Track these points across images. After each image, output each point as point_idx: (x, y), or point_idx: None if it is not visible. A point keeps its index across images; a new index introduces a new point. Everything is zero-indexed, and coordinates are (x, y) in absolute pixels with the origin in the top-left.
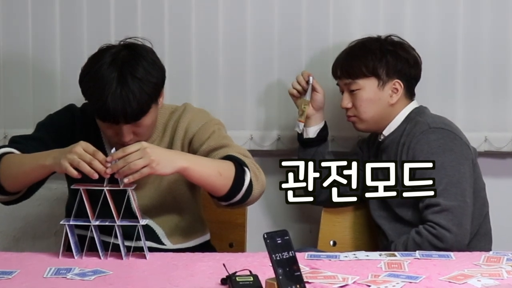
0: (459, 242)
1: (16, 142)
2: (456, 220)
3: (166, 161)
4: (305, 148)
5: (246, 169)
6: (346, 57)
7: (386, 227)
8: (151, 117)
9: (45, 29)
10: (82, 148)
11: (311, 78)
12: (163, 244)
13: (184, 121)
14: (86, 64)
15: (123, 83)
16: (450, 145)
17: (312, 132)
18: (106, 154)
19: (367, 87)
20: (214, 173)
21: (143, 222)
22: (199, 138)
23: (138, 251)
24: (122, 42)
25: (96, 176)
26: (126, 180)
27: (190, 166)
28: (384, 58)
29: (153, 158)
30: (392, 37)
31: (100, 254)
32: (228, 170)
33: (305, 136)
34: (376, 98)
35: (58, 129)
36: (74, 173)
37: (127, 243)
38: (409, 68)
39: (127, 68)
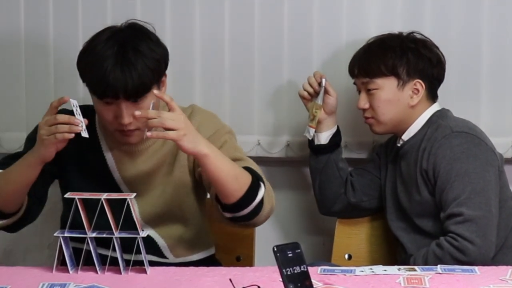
0: (483, 255)
1: (4, 164)
2: (480, 232)
3: (193, 137)
4: (317, 155)
5: (261, 184)
6: (364, 54)
7: (405, 239)
8: (151, 100)
9: (38, 28)
10: (45, 121)
11: (323, 80)
12: (164, 257)
13: (193, 124)
14: (85, 44)
15: (123, 56)
16: (474, 151)
17: (324, 138)
18: (103, 156)
19: (386, 87)
20: (231, 173)
21: (143, 234)
22: None
23: (138, 265)
24: (124, 24)
25: (78, 122)
26: (148, 134)
27: (211, 155)
28: (405, 56)
29: (184, 126)
30: (414, 34)
31: (97, 269)
32: (245, 178)
33: (316, 142)
34: (395, 99)
35: None
36: (61, 145)
37: (126, 257)
38: (431, 67)
39: (128, 43)
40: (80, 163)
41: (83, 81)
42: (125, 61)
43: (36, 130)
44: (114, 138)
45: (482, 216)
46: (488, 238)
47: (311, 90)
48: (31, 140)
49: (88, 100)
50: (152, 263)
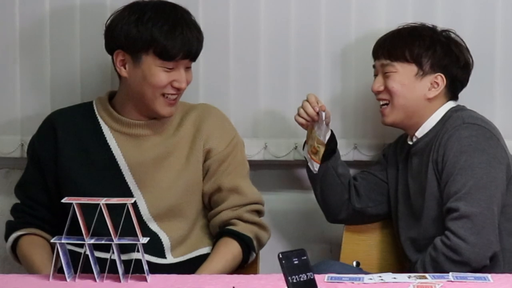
0: (478, 254)
1: (19, 210)
2: (475, 229)
3: None
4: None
5: (253, 252)
6: (392, 37)
7: (411, 251)
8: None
9: (33, 29)
10: None
11: (323, 113)
12: (164, 257)
13: (207, 125)
14: (127, 9)
15: (189, 21)
16: (483, 145)
17: None
18: (106, 142)
19: (403, 72)
20: (226, 272)
21: (143, 240)
22: (218, 159)
23: (139, 264)
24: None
25: None
26: None
27: None
28: (433, 47)
29: None
30: (450, 32)
31: (96, 276)
32: (236, 264)
33: None
34: (410, 85)
35: (40, 160)
36: None
37: (126, 257)
38: (457, 67)
39: (184, 10)
40: (81, 152)
41: (146, 48)
42: (193, 25)
43: (30, 147)
44: (149, 107)
45: (479, 213)
46: (485, 237)
47: (309, 119)
48: (28, 163)
49: (85, 99)
50: (150, 264)
